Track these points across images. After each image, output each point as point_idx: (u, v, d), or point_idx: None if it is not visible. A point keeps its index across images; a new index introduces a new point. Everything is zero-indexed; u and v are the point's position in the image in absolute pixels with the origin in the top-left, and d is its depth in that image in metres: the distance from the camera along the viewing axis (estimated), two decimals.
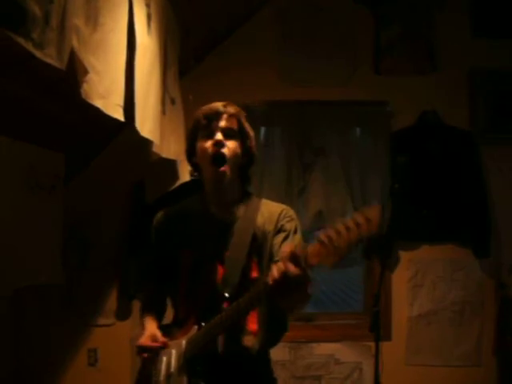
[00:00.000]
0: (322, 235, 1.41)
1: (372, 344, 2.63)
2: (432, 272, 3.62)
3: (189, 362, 1.80)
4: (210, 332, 1.77)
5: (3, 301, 3.19)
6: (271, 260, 1.82)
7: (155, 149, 2.51)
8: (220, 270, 1.86)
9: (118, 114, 1.85)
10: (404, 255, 3.63)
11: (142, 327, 1.99)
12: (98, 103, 1.67)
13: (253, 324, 1.87)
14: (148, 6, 2.21)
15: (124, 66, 1.87)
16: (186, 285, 1.91)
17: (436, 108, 3.58)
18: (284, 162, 3.60)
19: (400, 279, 3.62)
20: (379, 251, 3.56)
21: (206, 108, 1.90)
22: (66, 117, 2.61)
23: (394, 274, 3.63)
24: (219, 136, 1.83)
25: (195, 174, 1.98)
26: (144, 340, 1.90)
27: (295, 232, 1.88)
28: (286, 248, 1.57)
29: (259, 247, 1.86)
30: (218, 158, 1.82)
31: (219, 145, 1.82)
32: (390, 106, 3.61)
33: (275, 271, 1.50)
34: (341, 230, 1.38)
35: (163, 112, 2.60)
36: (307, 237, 1.81)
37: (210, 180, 1.88)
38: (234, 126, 1.88)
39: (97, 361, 3.53)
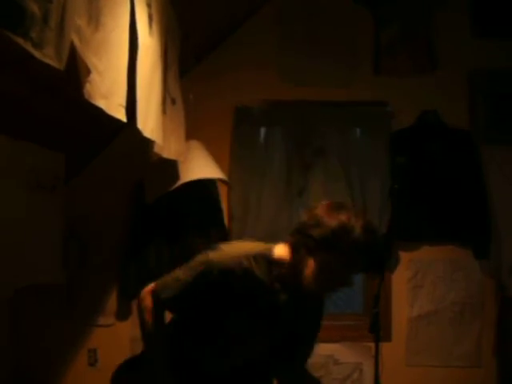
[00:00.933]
0: None
1: (372, 345, 2.62)
2: (432, 272, 3.61)
3: None
4: None
5: (3, 301, 3.19)
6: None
7: (156, 149, 2.50)
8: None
9: (121, 115, 1.85)
10: (404, 256, 3.63)
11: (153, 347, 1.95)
12: (101, 103, 1.66)
13: None
14: (149, 6, 2.21)
15: (126, 66, 1.86)
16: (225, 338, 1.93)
17: (436, 108, 3.58)
18: (284, 162, 3.60)
19: (400, 280, 3.62)
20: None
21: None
22: (67, 117, 2.62)
23: (393, 275, 3.62)
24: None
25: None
26: None
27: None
28: None
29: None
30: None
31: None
32: (389, 106, 3.61)
33: None
34: None
35: (164, 112, 2.59)
36: None
37: (310, 283, 1.84)
38: None
39: (97, 361, 3.53)
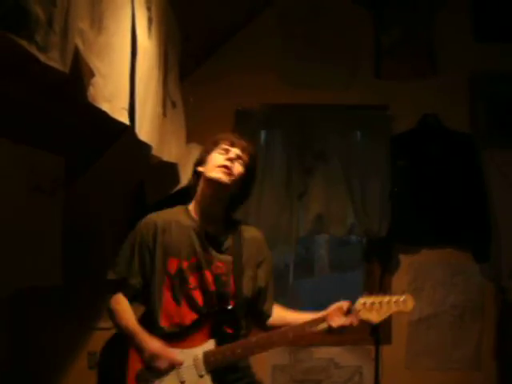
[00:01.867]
0: (364, 299, 1.97)
1: (372, 348, 2.64)
2: (432, 276, 3.61)
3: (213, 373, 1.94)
4: (235, 351, 1.94)
5: (3, 303, 3.19)
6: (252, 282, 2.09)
7: (154, 152, 2.50)
8: (209, 279, 2.02)
9: (124, 118, 1.85)
10: (404, 259, 3.63)
11: (130, 331, 2.04)
12: (104, 106, 1.67)
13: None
14: (149, 9, 2.21)
15: (128, 70, 1.87)
16: (172, 291, 2.02)
17: (436, 112, 3.58)
18: (284, 165, 3.60)
19: (400, 283, 3.62)
20: (379, 255, 3.56)
21: (229, 135, 2.16)
22: (67, 120, 2.61)
23: (393, 278, 3.62)
24: (233, 155, 2.05)
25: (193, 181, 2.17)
26: (159, 349, 1.95)
27: (267, 257, 2.19)
28: (344, 304, 2.00)
29: (240, 265, 2.07)
30: (224, 167, 2.03)
31: (231, 161, 2.04)
32: (390, 110, 3.61)
33: (337, 321, 1.95)
34: (383, 301, 1.97)
35: (164, 115, 2.59)
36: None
37: (205, 190, 2.08)
38: (246, 160, 2.10)
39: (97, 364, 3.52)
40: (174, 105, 2.85)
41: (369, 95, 3.63)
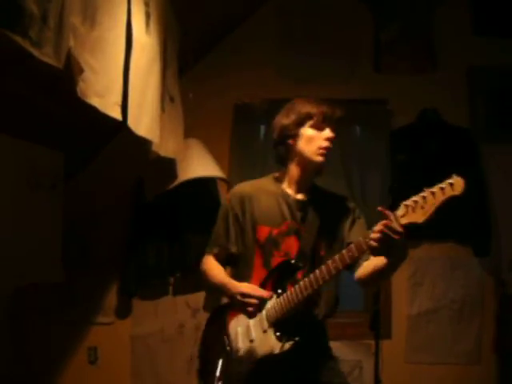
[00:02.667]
0: (406, 201, 1.74)
1: (372, 342, 2.63)
2: (432, 270, 3.61)
3: (272, 326, 1.99)
4: (289, 298, 1.95)
5: (3, 299, 3.20)
6: (339, 242, 2.10)
7: (154, 147, 2.50)
8: (294, 244, 2.06)
9: (116, 113, 1.85)
10: None
11: (219, 282, 2.13)
12: (95, 102, 1.67)
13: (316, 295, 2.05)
14: (147, 4, 2.21)
15: (122, 65, 1.86)
16: (263, 257, 2.08)
17: (436, 106, 3.57)
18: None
19: (400, 277, 3.61)
20: None
21: (322, 106, 2.09)
22: (66, 116, 2.62)
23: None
24: (332, 133, 2.06)
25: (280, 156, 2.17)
26: (249, 287, 2.02)
27: (359, 217, 2.19)
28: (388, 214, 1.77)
29: (328, 228, 2.09)
30: (327, 149, 2.06)
31: (330, 141, 2.05)
32: (389, 105, 3.60)
33: (375, 234, 1.76)
34: (426, 195, 1.71)
35: (162, 110, 2.59)
36: None
37: (301, 165, 2.10)
38: (336, 131, 2.10)
39: (97, 359, 3.53)
40: (172, 100, 2.84)
41: (368, 90, 3.62)
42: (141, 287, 3.50)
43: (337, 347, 3.54)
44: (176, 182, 3.10)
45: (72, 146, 3.08)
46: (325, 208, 2.12)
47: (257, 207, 2.12)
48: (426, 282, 3.61)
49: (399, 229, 1.75)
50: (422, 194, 1.71)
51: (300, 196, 2.13)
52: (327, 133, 2.05)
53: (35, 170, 2.79)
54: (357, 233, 2.09)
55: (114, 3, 1.77)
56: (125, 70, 1.92)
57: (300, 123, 2.08)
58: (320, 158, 2.06)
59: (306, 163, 2.10)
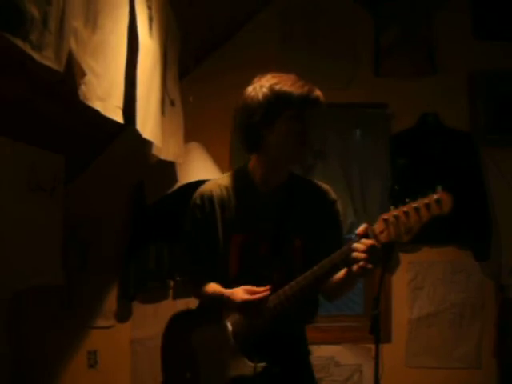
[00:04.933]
0: (385, 214, 1.59)
1: (372, 346, 2.61)
2: (432, 274, 3.61)
3: (241, 343, 1.83)
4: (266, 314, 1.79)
5: (3, 303, 3.19)
6: (317, 234, 1.90)
7: (155, 151, 2.50)
8: (266, 245, 1.89)
9: (118, 116, 1.85)
10: (404, 257, 3.63)
11: (215, 296, 1.93)
12: (97, 105, 1.67)
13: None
14: (149, 8, 2.21)
15: (124, 69, 1.87)
16: (239, 266, 1.91)
17: (436, 110, 3.58)
18: None
19: (400, 281, 3.62)
20: None
21: (304, 91, 1.87)
22: (66, 118, 2.61)
23: (394, 276, 3.62)
24: (311, 128, 1.85)
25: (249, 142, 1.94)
26: (243, 295, 1.80)
27: (338, 210, 2.00)
28: (361, 228, 1.68)
29: (305, 219, 1.91)
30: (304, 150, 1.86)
31: (310, 139, 1.85)
32: (389, 108, 3.61)
33: (362, 245, 1.63)
34: (409, 211, 1.54)
35: (163, 113, 2.60)
36: None
37: (282, 158, 1.88)
38: (321, 117, 1.94)
39: (96, 363, 3.53)
40: (172, 103, 2.85)
41: (368, 94, 3.63)
42: (141, 291, 3.49)
43: (337, 351, 3.59)
44: (176, 186, 3.10)
45: (72, 149, 3.08)
46: (302, 199, 1.93)
47: (229, 213, 1.92)
48: (426, 286, 3.61)
49: (379, 246, 1.62)
50: (403, 209, 1.55)
51: (274, 188, 1.92)
52: (309, 126, 1.83)
53: (35, 172, 2.78)
54: (335, 229, 1.95)
55: (115, 6, 1.77)
56: (131, 73, 1.92)
57: (275, 112, 1.82)
58: (298, 157, 1.88)
59: (280, 158, 1.87)
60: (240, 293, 1.80)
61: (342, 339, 3.61)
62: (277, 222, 1.89)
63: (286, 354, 1.90)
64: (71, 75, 1.50)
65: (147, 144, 2.39)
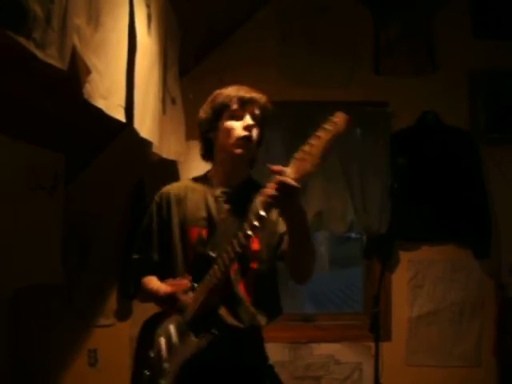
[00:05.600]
0: (296, 153, 1.60)
1: (372, 344, 2.63)
2: (432, 272, 3.62)
3: (190, 325, 1.84)
4: (205, 286, 1.81)
5: (3, 301, 3.19)
6: (274, 235, 1.94)
7: (155, 149, 2.50)
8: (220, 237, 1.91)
9: (120, 115, 1.85)
10: (404, 255, 3.63)
11: (151, 288, 1.98)
12: (100, 103, 1.67)
13: (248, 295, 1.91)
14: (148, 6, 2.21)
15: (125, 67, 1.87)
16: (193, 257, 1.94)
17: (436, 109, 3.58)
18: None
19: (400, 280, 3.63)
20: (379, 251, 3.56)
21: (238, 91, 1.95)
22: (67, 117, 2.61)
23: (393, 275, 3.63)
24: (251, 120, 1.92)
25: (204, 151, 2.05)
26: (168, 288, 1.88)
27: None
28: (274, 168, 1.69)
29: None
30: (246, 139, 1.91)
31: (249, 129, 1.91)
32: (389, 107, 3.61)
33: (269, 189, 1.63)
34: (312, 142, 1.56)
35: (164, 112, 2.59)
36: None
37: (225, 159, 1.97)
38: (260, 114, 1.97)
39: (97, 361, 3.53)
40: (173, 101, 2.85)
41: (368, 92, 3.63)
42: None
43: (337, 349, 3.60)
44: None
45: (72, 147, 3.08)
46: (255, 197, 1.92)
47: (184, 208, 1.99)
48: (426, 285, 3.61)
49: (292, 183, 1.61)
50: (309, 141, 1.57)
51: (230, 188, 1.98)
52: (245, 121, 1.91)
53: (36, 171, 2.78)
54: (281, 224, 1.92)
55: (117, 4, 1.77)
56: (129, 71, 1.92)
57: (217, 116, 1.95)
58: (238, 151, 1.91)
59: (228, 157, 1.95)
60: (163, 286, 1.91)
61: (342, 337, 3.62)
62: (230, 216, 1.94)
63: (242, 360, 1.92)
64: (74, 73, 1.50)
65: (148, 142, 2.39)
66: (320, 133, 1.55)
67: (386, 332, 3.49)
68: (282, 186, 1.61)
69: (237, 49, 3.64)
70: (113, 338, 3.52)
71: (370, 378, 2.79)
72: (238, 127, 1.91)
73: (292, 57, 3.67)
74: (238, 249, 1.73)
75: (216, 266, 1.78)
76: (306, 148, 1.57)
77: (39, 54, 1.27)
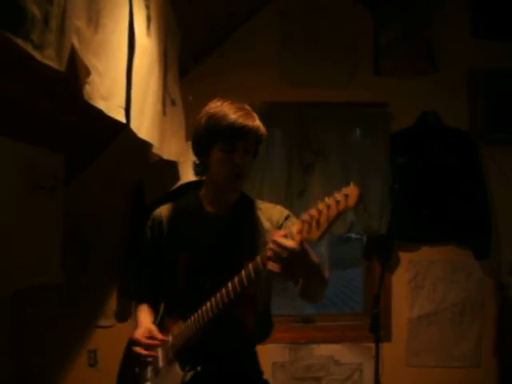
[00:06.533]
0: (304, 215, 1.50)
1: (372, 345, 2.63)
2: (432, 273, 3.62)
3: (177, 355, 1.85)
4: (196, 322, 1.80)
5: (3, 301, 3.19)
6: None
7: (155, 150, 2.50)
8: (216, 267, 1.88)
9: (120, 116, 1.85)
10: (404, 256, 3.63)
11: (137, 320, 2.01)
12: (100, 104, 1.67)
13: (247, 319, 1.89)
14: (148, 7, 2.21)
15: (125, 68, 1.87)
16: (185, 285, 1.92)
17: (436, 109, 3.58)
18: (284, 163, 3.60)
19: (400, 280, 3.63)
20: (379, 252, 3.56)
21: (234, 118, 1.84)
22: (66, 118, 2.61)
23: (394, 276, 3.63)
24: (242, 158, 1.82)
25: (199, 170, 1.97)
26: (140, 335, 1.90)
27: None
28: (282, 232, 1.57)
29: (255, 244, 1.87)
30: (236, 176, 1.84)
31: (241, 166, 1.82)
32: (389, 107, 3.61)
33: (268, 250, 1.55)
34: (321, 208, 1.47)
35: (164, 113, 2.59)
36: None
37: (219, 185, 1.90)
38: (254, 143, 1.88)
39: (97, 362, 3.53)
40: (173, 103, 2.85)
41: (368, 92, 3.63)
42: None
43: (337, 350, 3.60)
44: (177, 184, 3.11)
45: (72, 148, 3.08)
46: (251, 222, 1.92)
47: (177, 233, 1.94)
48: (426, 285, 3.61)
49: (291, 245, 1.50)
50: (318, 207, 1.48)
51: (222, 212, 1.93)
52: (237, 157, 1.80)
53: (36, 172, 2.78)
54: None
55: (116, 5, 1.77)
56: (129, 72, 1.92)
57: (209, 141, 1.84)
58: (232, 185, 1.87)
59: (217, 186, 1.90)
60: (140, 332, 1.91)
61: (342, 338, 3.62)
62: (222, 240, 1.90)
63: (237, 375, 1.91)
64: (73, 74, 1.50)
65: (148, 143, 2.39)
66: (330, 202, 1.46)
67: (386, 333, 3.49)
68: (279, 247, 1.51)
69: (237, 50, 3.64)
70: (113, 339, 3.51)
71: (371, 378, 2.79)
72: (229, 163, 1.82)
73: (292, 58, 3.67)
74: (231, 295, 1.70)
75: (212, 301, 1.75)
76: (314, 213, 1.48)
77: (37, 55, 1.27)
